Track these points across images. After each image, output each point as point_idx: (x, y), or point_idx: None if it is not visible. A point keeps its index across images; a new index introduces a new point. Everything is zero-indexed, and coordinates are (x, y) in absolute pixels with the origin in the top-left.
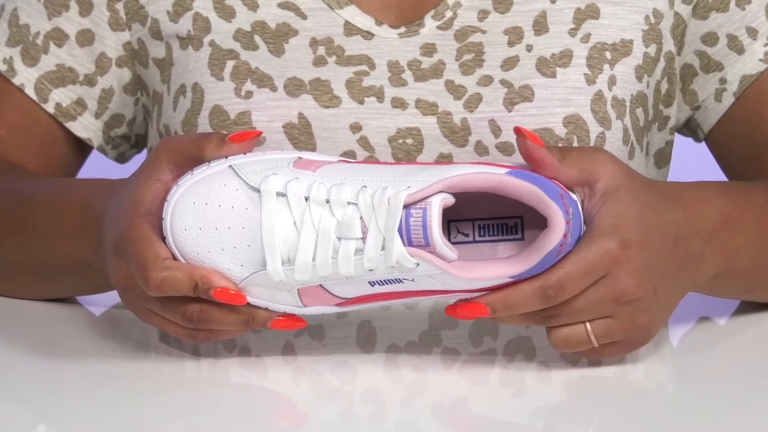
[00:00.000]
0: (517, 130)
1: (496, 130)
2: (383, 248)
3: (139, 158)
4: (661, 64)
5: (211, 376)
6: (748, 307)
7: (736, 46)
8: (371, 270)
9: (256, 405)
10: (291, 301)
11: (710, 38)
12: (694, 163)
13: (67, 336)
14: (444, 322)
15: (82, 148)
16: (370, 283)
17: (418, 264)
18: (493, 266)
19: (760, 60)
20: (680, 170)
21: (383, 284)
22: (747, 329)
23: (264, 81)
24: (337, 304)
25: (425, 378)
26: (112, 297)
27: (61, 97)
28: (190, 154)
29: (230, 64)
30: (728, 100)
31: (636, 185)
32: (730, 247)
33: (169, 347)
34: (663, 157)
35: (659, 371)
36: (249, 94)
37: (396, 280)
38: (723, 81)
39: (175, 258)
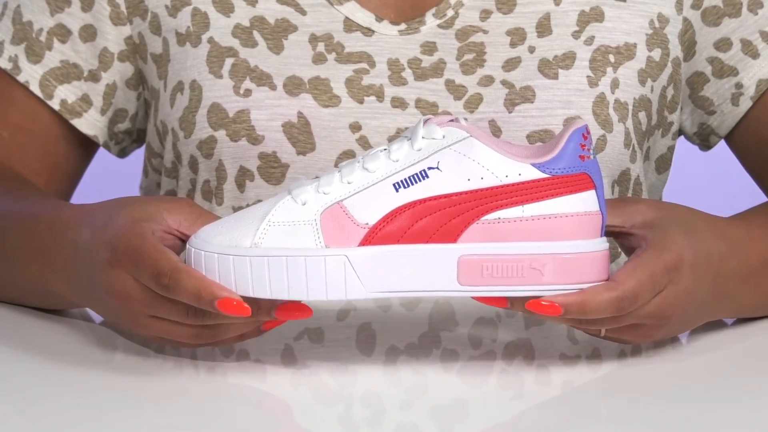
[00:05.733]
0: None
1: (496, 131)
2: (409, 139)
3: (139, 153)
4: (668, 69)
5: (209, 381)
6: None
7: (750, 50)
8: (397, 161)
9: (255, 409)
10: (312, 242)
11: (723, 44)
12: (695, 167)
13: (65, 344)
14: (443, 324)
15: (86, 147)
16: (394, 186)
17: (444, 135)
18: (516, 147)
19: None
20: (680, 175)
21: (408, 185)
22: (753, 331)
23: (263, 79)
24: (361, 243)
25: (425, 380)
26: None
27: (66, 93)
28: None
29: (229, 62)
30: (746, 104)
31: (672, 212)
32: (763, 289)
33: (166, 352)
34: (663, 163)
35: (660, 373)
36: (248, 93)
37: (422, 174)
38: (739, 86)
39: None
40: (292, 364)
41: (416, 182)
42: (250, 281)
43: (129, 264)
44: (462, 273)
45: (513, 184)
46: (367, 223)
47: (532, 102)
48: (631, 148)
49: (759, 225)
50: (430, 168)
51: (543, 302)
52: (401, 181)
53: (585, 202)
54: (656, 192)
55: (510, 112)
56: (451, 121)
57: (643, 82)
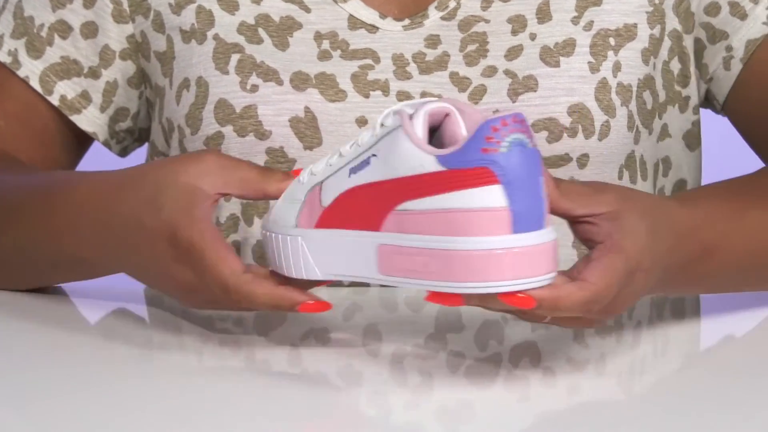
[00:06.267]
0: None
1: None
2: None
3: (140, 152)
4: (667, 43)
5: (215, 380)
6: (759, 309)
7: (738, 12)
8: (360, 146)
9: (260, 407)
10: (291, 220)
11: (713, 8)
12: (725, 144)
13: (66, 341)
14: (450, 326)
15: (82, 141)
16: (350, 171)
17: (392, 123)
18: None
19: (764, 23)
20: (713, 152)
21: (357, 171)
22: (761, 332)
23: (270, 75)
24: (316, 224)
25: (430, 381)
26: (111, 298)
27: (65, 89)
28: (249, 179)
29: (235, 58)
30: (736, 67)
31: (638, 205)
32: (702, 273)
33: (171, 351)
34: (693, 139)
35: (666, 377)
36: (255, 88)
37: (367, 161)
38: (729, 49)
39: None
40: (298, 364)
41: (362, 169)
42: (265, 254)
43: (194, 267)
44: (380, 262)
45: (416, 176)
46: (324, 206)
47: (535, 91)
48: (634, 130)
49: (708, 209)
50: (373, 155)
51: (519, 295)
52: (354, 166)
53: (483, 197)
54: (694, 171)
55: (513, 102)
56: (446, 100)
57: (646, 61)
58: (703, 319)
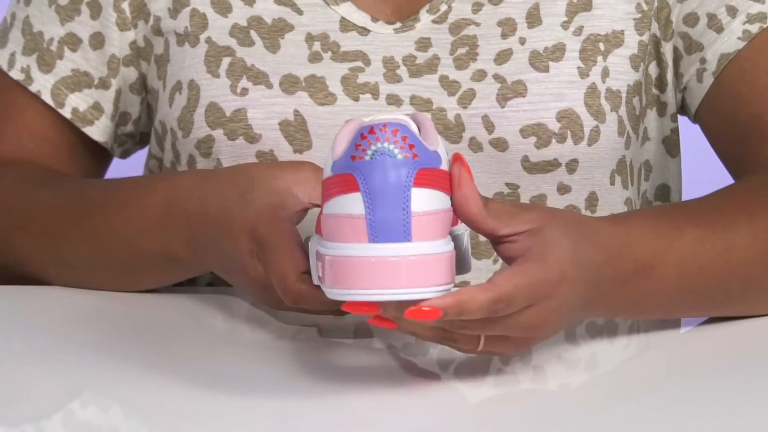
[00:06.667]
0: (457, 158)
1: (489, 126)
2: None
3: (140, 154)
4: (648, 48)
5: (203, 378)
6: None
7: (715, 25)
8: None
9: (249, 405)
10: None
11: (691, 19)
12: (710, 152)
13: (62, 338)
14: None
15: (96, 152)
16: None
17: None
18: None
19: (739, 38)
20: (695, 159)
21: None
22: (753, 334)
23: (259, 78)
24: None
25: (421, 380)
26: (105, 297)
27: (77, 101)
28: None
29: (226, 61)
30: (708, 80)
31: (562, 222)
32: (640, 292)
33: (160, 349)
34: (672, 146)
35: (658, 375)
36: (245, 91)
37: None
38: (703, 61)
39: None
40: (289, 362)
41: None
42: None
43: (263, 262)
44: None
45: (323, 180)
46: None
47: (524, 96)
48: (625, 135)
49: (641, 228)
50: None
51: (423, 308)
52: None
53: (344, 204)
54: (675, 177)
55: (502, 107)
56: (407, 114)
57: (636, 68)
58: (694, 321)
